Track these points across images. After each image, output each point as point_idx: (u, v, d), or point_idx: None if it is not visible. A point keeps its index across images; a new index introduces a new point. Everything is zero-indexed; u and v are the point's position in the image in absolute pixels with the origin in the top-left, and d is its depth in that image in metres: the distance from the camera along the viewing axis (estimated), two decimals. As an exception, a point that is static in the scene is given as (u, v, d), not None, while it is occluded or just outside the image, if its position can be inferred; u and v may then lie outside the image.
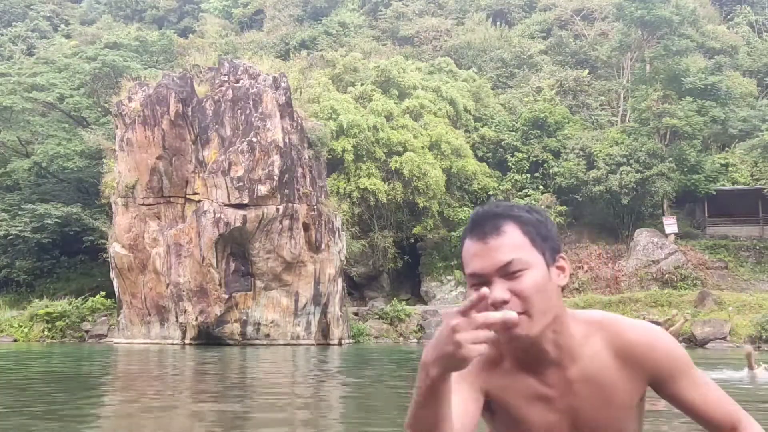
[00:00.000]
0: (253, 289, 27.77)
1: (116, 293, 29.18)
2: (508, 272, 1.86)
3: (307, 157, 29.54)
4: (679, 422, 7.69)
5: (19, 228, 35.76)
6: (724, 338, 30.04)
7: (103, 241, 31.06)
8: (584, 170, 39.32)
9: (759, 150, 37.99)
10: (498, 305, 1.81)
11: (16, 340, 31.13)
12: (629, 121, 43.06)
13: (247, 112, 28.13)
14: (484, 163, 41.27)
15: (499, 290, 1.84)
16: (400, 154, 37.29)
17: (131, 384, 13.98)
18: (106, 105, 37.10)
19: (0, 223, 36.33)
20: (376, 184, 36.41)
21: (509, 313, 1.75)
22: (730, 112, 40.64)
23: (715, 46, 47.89)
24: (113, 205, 29.11)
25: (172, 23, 61.56)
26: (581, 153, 40.34)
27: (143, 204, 28.24)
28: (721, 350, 27.48)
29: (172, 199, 28.29)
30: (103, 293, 32.52)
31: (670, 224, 38.29)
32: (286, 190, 27.92)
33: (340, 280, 30.04)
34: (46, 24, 60.02)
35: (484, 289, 1.72)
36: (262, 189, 27.36)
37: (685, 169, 39.11)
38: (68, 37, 55.28)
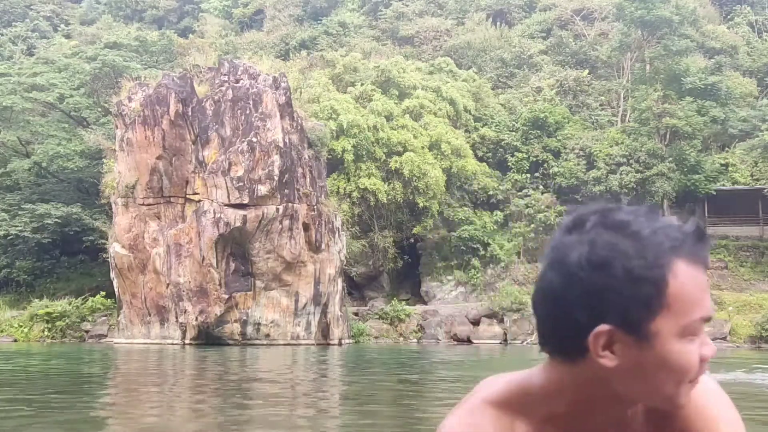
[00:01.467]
0: (253, 289, 27.77)
1: (116, 293, 29.18)
2: None
3: (307, 157, 29.54)
4: None
5: (19, 228, 35.75)
6: (724, 338, 30.05)
7: (103, 241, 31.06)
8: (584, 170, 39.33)
9: (759, 150, 37.99)
10: (706, 363, 1.23)
11: (16, 340, 31.13)
12: (629, 121, 43.04)
13: (247, 112, 28.12)
14: (484, 163, 41.25)
15: (710, 342, 1.25)
16: (400, 154, 37.28)
17: (131, 384, 13.97)
18: (106, 105, 37.09)
19: (0, 223, 36.33)
20: (376, 184, 36.40)
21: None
22: (730, 112, 40.62)
23: (715, 46, 47.88)
24: (113, 205, 29.11)
25: (172, 23, 61.53)
26: (581, 153, 40.35)
27: (143, 204, 28.23)
28: (721, 350, 27.47)
29: (172, 199, 28.28)
30: (103, 293, 32.53)
31: (670, 224, 38.25)
32: (286, 190, 27.92)
33: (340, 280, 30.05)
34: (46, 24, 60.01)
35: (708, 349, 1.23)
36: (262, 189, 27.36)
37: (685, 169, 39.10)
38: (68, 37, 55.28)
